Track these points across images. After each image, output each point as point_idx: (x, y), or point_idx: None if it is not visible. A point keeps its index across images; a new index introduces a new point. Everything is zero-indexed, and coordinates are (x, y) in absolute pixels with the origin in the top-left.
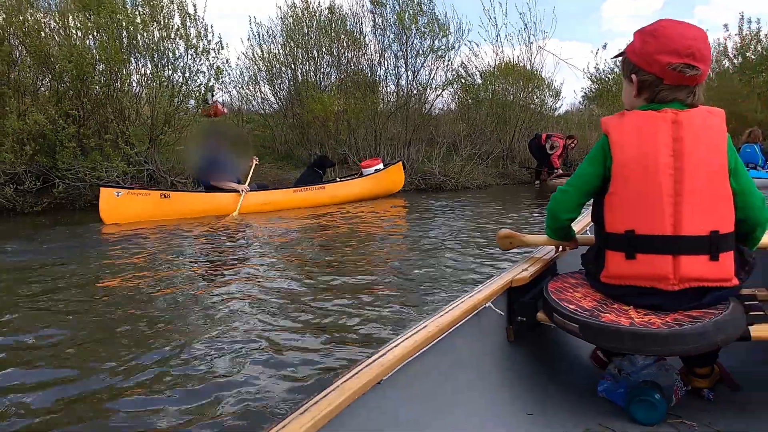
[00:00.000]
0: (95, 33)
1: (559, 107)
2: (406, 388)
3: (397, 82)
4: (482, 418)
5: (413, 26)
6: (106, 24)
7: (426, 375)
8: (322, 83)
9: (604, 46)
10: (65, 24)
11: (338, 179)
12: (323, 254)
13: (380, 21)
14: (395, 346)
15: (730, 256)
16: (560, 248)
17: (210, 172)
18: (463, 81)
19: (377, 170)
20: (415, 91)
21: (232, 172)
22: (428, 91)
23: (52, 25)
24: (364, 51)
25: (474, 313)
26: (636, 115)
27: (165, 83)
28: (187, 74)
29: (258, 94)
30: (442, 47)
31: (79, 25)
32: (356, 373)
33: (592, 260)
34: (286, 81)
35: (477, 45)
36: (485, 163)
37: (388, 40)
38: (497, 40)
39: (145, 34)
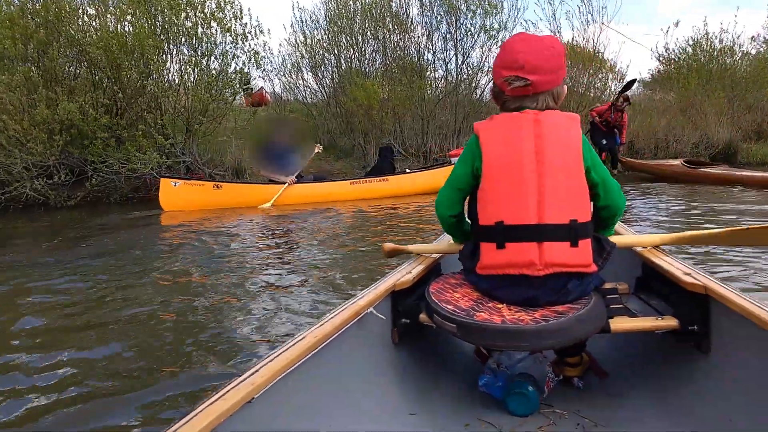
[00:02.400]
0: (129, 17)
1: (642, 90)
2: (283, 403)
3: (446, 66)
4: (365, 423)
5: (463, 3)
6: (139, 4)
7: (306, 387)
8: (367, 69)
9: (677, 24)
10: (103, 10)
11: (407, 170)
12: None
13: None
14: (269, 362)
15: (588, 243)
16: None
17: (265, 164)
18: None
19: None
20: (465, 76)
21: (291, 164)
22: (479, 75)
23: (89, 12)
24: (410, 34)
25: (356, 319)
26: (502, 117)
27: (202, 70)
28: (224, 61)
29: (301, 82)
30: (495, 26)
31: (114, 9)
32: (223, 395)
33: (468, 255)
34: (330, 68)
35: (533, 24)
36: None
37: (436, 21)
38: (554, 19)
39: (180, 18)
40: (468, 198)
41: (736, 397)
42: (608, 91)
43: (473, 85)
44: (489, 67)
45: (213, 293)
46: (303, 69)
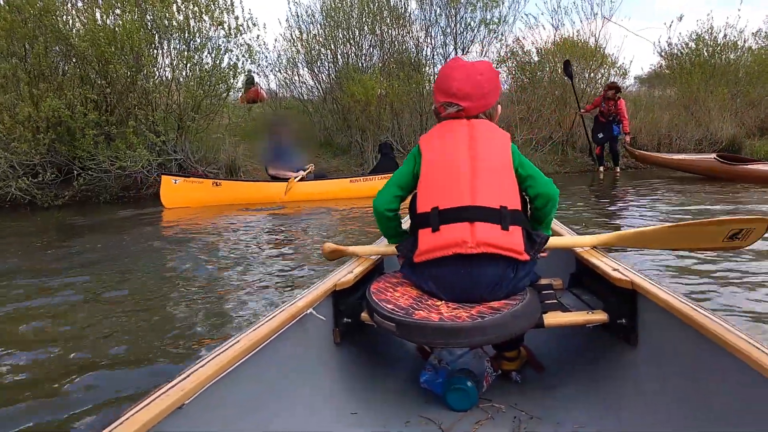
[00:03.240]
0: (116, 11)
1: (627, 87)
2: (217, 407)
3: (445, 61)
4: (305, 424)
5: None
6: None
7: (242, 390)
8: (364, 65)
9: (680, 18)
10: (90, 3)
11: None
12: None
13: None
14: (200, 367)
15: (518, 231)
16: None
17: (270, 161)
18: (518, 59)
19: None
20: None
21: (295, 161)
22: None
23: (78, 5)
24: (408, 28)
25: (295, 320)
26: (440, 124)
27: (194, 65)
28: (217, 55)
29: (297, 78)
30: (495, 20)
31: (102, 3)
32: (150, 402)
33: (409, 247)
34: (326, 64)
35: (534, 18)
36: (543, 150)
37: (435, 14)
38: (556, 12)
39: (171, 12)
40: (410, 198)
41: (661, 388)
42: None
43: None
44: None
45: (192, 292)
46: (299, 65)
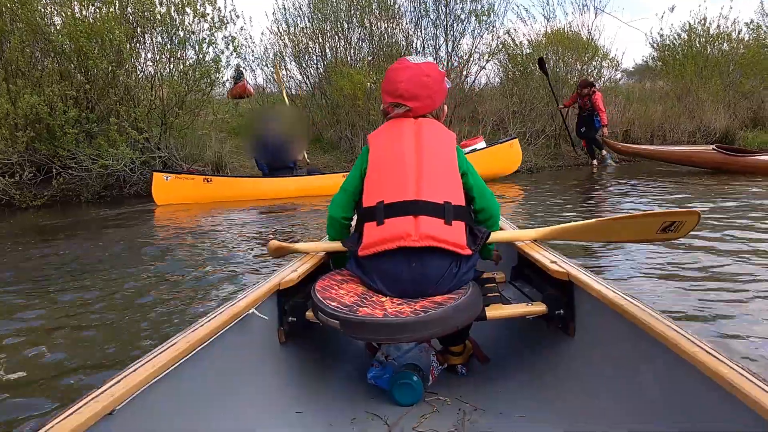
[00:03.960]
0: (96, 3)
1: (620, 79)
2: (153, 412)
3: (436, 53)
4: (248, 425)
5: None
6: None
7: (181, 394)
8: (353, 59)
9: (672, 9)
10: None
11: None
12: None
13: None
14: (132, 371)
15: (461, 226)
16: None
17: (262, 158)
18: (509, 51)
19: (474, 150)
20: (455, 63)
21: (289, 155)
22: (470, 62)
23: None
24: (398, 21)
25: (237, 320)
26: (388, 122)
27: (177, 59)
28: (200, 49)
29: (284, 72)
30: (485, 11)
31: None
32: (78, 408)
33: (354, 241)
34: (314, 57)
35: (526, 9)
36: (536, 144)
37: (425, 6)
38: (548, 3)
39: (152, 4)
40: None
41: (597, 376)
42: (602, 79)
43: (464, 73)
44: (480, 55)
45: (160, 294)
46: (286, 59)
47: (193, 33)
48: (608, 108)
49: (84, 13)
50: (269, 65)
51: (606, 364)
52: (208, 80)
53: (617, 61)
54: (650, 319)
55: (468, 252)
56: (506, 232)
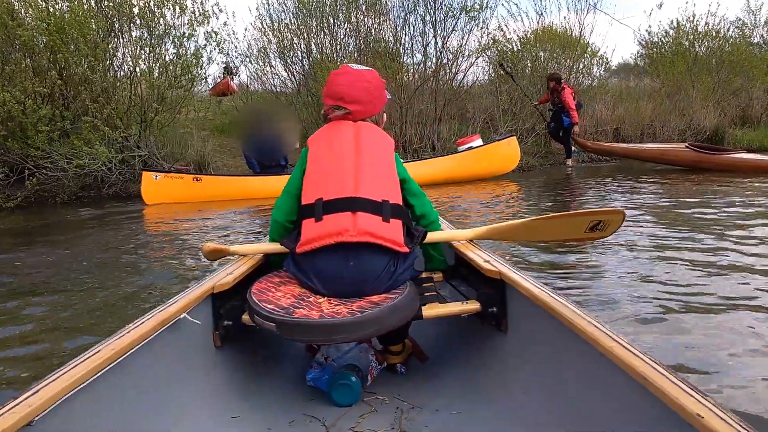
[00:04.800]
0: None
1: (608, 77)
2: (74, 423)
3: (424, 50)
4: None
5: None
6: None
7: (105, 403)
8: (339, 56)
9: (660, 6)
10: None
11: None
12: None
13: None
14: (51, 381)
15: (399, 224)
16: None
17: (254, 156)
18: (499, 48)
19: (470, 148)
20: (445, 60)
21: (281, 151)
22: (460, 59)
23: None
24: (386, 16)
25: (167, 325)
26: (329, 124)
27: (155, 54)
28: (180, 43)
29: (268, 69)
30: (476, 5)
31: None
32: None
33: (293, 239)
34: (299, 54)
35: (516, 5)
36: (526, 142)
37: (414, 1)
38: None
39: None
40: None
41: (528, 371)
42: (592, 77)
43: (454, 70)
44: (470, 51)
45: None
46: (271, 55)
47: (174, 27)
48: (597, 106)
49: (57, 6)
50: (253, 62)
51: (535, 360)
52: (189, 76)
53: (606, 59)
54: (572, 315)
55: (405, 250)
56: (443, 232)
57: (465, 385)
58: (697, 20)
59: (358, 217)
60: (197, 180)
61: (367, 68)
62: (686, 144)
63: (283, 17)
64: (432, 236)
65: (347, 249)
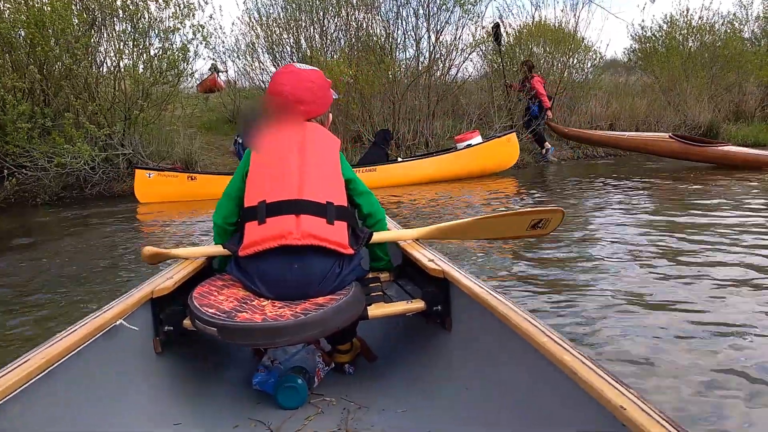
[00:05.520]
0: None
1: (602, 74)
2: None
3: (417, 45)
4: None
5: None
6: None
7: (36, 415)
8: (329, 50)
9: (653, 1)
10: None
11: (399, 159)
12: None
13: None
14: None
15: (344, 226)
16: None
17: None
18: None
19: (469, 145)
20: (438, 55)
21: None
22: (454, 54)
23: None
24: (377, 10)
25: (102, 332)
26: (273, 128)
27: (139, 48)
28: (165, 37)
29: (257, 64)
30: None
31: None
32: None
33: (235, 242)
34: (288, 48)
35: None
36: (521, 139)
37: None
38: None
39: None
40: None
41: (471, 367)
42: (586, 71)
43: (447, 65)
44: (464, 46)
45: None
46: (259, 50)
47: (159, 21)
48: (591, 102)
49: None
50: (241, 57)
51: (477, 356)
52: (176, 71)
53: (600, 54)
54: (509, 312)
55: (350, 251)
56: (389, 232)
57: (411, 384)
58: (691, 14)
59: (302, 220)
60: (192, 179)
61: (312, 68)
62: (669, 134)
63: (271, 11)
64: (378, 236)
65: (291, 252)
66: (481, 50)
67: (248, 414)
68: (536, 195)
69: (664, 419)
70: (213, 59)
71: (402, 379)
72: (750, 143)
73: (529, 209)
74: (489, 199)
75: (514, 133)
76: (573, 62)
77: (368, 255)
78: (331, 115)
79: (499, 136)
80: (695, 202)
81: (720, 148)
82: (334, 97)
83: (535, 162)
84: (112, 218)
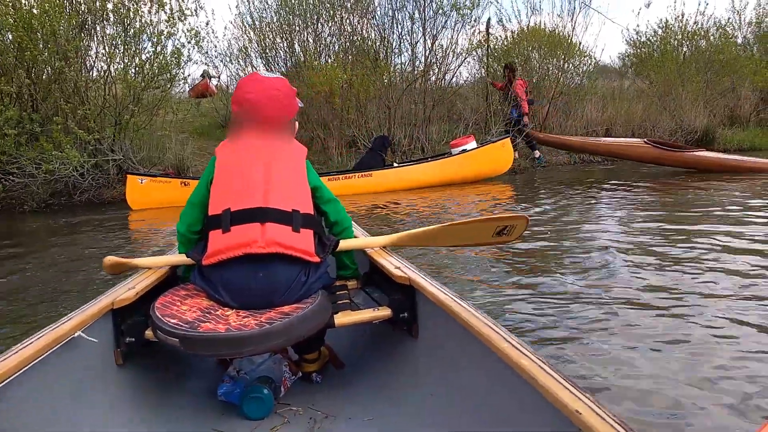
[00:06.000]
0: None
1: (596, 80)
2: None
3: (412, 49)
4: None
5: None
6: None
7: None
8: (323, 54)
9: (648, 5)
10: None
11: (395, 164)
12: None
13: None
14: None
15: (310, 233)
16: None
17: None
18: (490, 45)
19: (464, 150)
20: (435, 59)
21: None
22: (450, 58)
23: None
24: (373, 14)
25: (62, 343)
26: (238, 136)
27: (131, 52)
28: (158, 41)
29: (250, 68)
30: (467, 3)
31: None
32: None
33: (199, 251)
34: (282, 53)
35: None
36: (519, 145)
37: None
38: None
39: None
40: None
41: (437, 374)
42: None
43: (443, 69)
44: (461, 50)
45: None
46: (252, 54)
47: (151, 24)
48: (587, 107)
49: (24, 1)
50: (234, 61)
51: (443, 363)
52: (168, 76)
53: (595, 59)
54: (471, 318)
55: (316, 259)
56: (356, 240)
57: (378, 392)
58: (686, 19)
59: (267, 228)
60: (185, 184)
61: (277, 76)
62: (645, 140)
63: (264, 15)
64: (345, 244)
65: (256, 260)
66: (477, 54)
67: (213, 425)
68: (522, 200)
69: (617, 423)
70: (206, 64)
71: (369, 387)
72: (746, 148)
73: (493, 216)
74: (479, 204)
75: (509, 139)
76: (568, 67)
77: (336, 263)
78: (297, 123)
79: (493, 141)
80: (684, 207)
81: (693, 153)
82: (299, 105)
83: (532, 167)
84: (102, 226)
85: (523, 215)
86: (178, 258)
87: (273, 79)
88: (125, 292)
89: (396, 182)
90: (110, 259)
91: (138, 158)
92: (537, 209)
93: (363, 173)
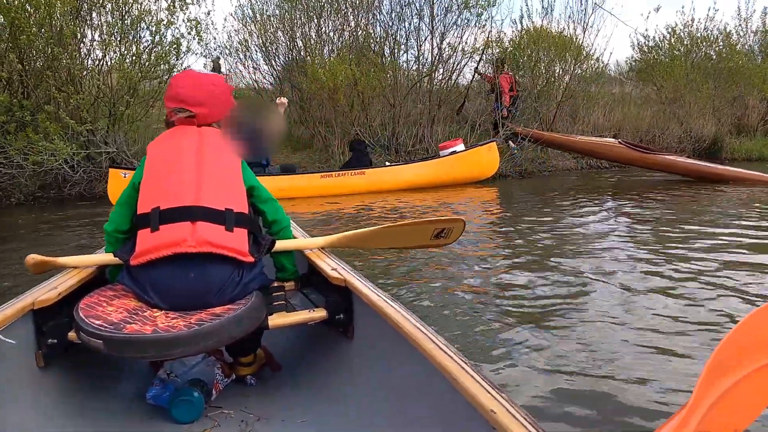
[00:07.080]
0: None
1: (602, 82)
2: None
3: (418, 48)
4: None
5: None
6: None
7: None
8: (325, 49)
9: (657, 9)
10: None
11: (387, 163)
12: None
13: None
14: None
15: (243, 233)
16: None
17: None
18: (500, 46)
19: (453, 152)
20: (443, 56)
21: (262, 150)
22: (459, 56)
23: None
24: (379, 8)
25: None
26: (170, 129)
27: (128, 40)
28: (156, 30)
29: (250, 62)
30: (482, 3)
31: None
32: None
33: (127, 250)
34: (283, 46)
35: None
36: (526, 148)
37: None
38: None
39: None
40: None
41: (371, 375)
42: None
43: (450, 69)
44: (471, 49)
45: None
46: (252, 48)
47: (149, 13)
48: (595, 112)
49: None
50: (233, 55)
51: (377, 364)
52: (166, 66)
53: (603, 62)
54: (401, 319)
55: (250, 259)
56: (293, 240)
57: (313, 394)
58: (696, 24)
59: (198, 227)
60: None
61: (213, 73)
62: (618, 140)
63: (265, 9)
64: (281, 245)
65: (187, 260)
66: (487, 55)
67: (140, 429)
68: (522, 201)
69: (528, 422)
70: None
71: (305, 389)
72: (754, 158)
73: (431, 219)
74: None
75: (495, 143)
76: (576, 71)
77: (274, 263)
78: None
79: (480, 145)
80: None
81: (663, 156)
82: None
83: (539, 173)
84: (91, 221)
85: (460, 218)
86: (105, 258)
87: (208, 75)
88: (47, 292)
89: (390, 181)
90: (33, 257)
91: (132, 151)
92: (532, 218)
93: (356, 171)
